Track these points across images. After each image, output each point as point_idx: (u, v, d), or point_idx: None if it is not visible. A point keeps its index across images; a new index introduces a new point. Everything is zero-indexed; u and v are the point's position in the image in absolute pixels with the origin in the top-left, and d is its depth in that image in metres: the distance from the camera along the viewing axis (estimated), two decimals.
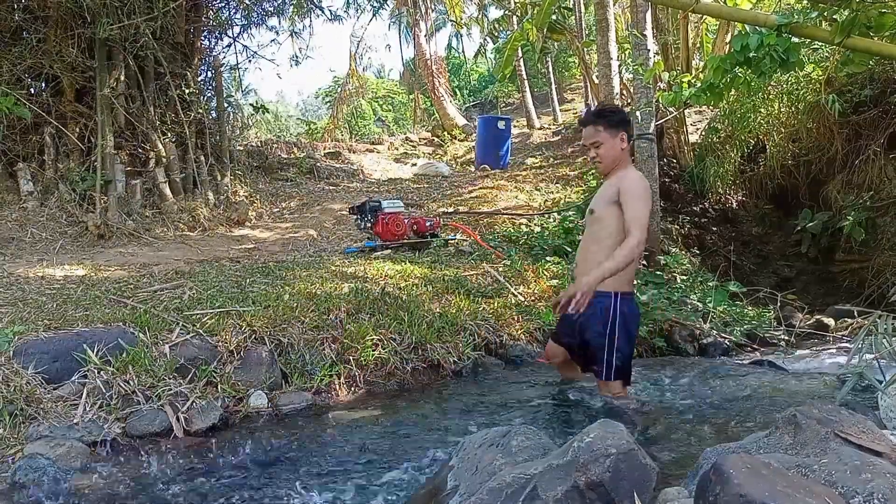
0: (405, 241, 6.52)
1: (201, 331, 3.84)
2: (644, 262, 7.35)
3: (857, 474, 1.29)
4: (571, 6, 12.73)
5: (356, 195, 9.88)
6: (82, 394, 3.23)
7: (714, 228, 9.29)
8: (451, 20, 20.84)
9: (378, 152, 14.20)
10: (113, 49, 7.65)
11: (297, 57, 23.93)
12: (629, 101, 9.39)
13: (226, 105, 9.83)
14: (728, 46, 7.95)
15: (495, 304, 5.07)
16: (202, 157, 8.70)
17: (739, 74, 3.93)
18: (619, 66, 9.00)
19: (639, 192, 3.02)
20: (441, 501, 1.76)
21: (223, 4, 10.15)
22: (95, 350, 3.41)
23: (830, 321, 6.59)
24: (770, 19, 3.69)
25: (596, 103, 12.89)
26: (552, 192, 8.86)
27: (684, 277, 7.28)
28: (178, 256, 6.19)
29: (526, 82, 17.13)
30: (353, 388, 4.01)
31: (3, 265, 5.40)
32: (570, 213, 7.47)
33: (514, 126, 14.16)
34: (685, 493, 1.48)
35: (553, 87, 18.50)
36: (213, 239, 7.50)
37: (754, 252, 9.11)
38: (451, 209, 8.39)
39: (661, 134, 9.16)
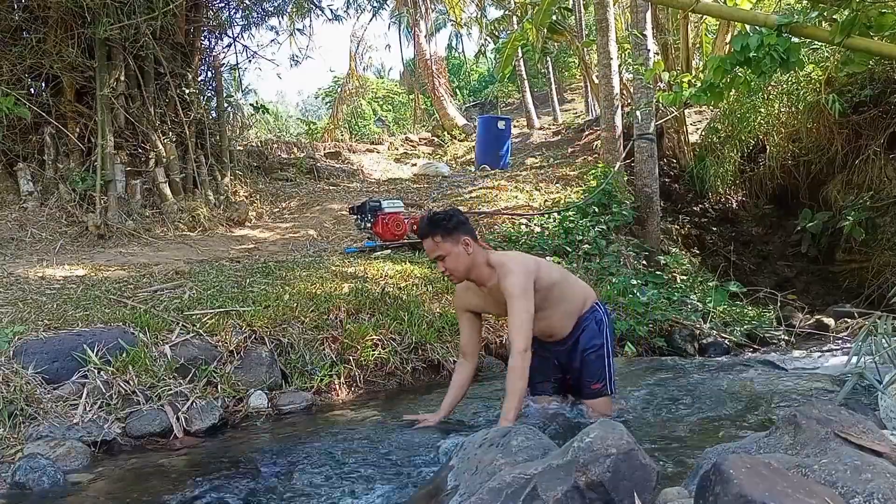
0: (405, 241, 6.52)
1: (201, 331, 3.84)
2: (644, 262, 7.36)
3: (857, 474, 1.29)
4: (571, 6, 12.73)
5: (356, 195, 9.87)
6: (82, 394, 3.23)
7: (714, 228, 9.29)
8: (451, 20, 20.84)
9: (378, 152, 14.19)
10: (113, 49, 7.65)
11: (297, 57, 23.95)
12: (629, 101, 9.40)
13: (226, 105, 9.82)
14: (728, 46, 7.96)
15: None
16: (202, 157, 8.69)
17: (739, 74, 3.94)
18: (619, 66, 9.00)
19: (518, 289, 2.70)
20: (441, 501, 1.76)
21: (223, 4, 10.14)
22: (95, 350, 3.41)
23: (830, 321, 6.59)
24: (770, 19, 3.69)
25: (596, 103, 12.88)
26: (552, 192, 8.86)
27: (684, 277, 7.29)
28: (178, 256, 6.18)
29: (526, 82, 17.14)
30: (353, 388, 4.01)
31: (3, 265, 5.40)
32: (571, 213, 7.47)
33: (514, 126, 14.16)
34: (685, 493, 1.48)
35: (553, 87, 18.52)
36: (213, 239, 7.49)
37: (754, 252, 9.12)
38: None
39: (661, 134, 9.17)
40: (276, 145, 12.67)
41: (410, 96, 23.92)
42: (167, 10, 7.45)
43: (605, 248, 6.87)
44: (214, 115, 9.56)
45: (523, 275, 2.75)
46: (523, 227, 7.43)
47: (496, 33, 17.27)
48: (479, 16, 18.79)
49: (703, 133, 9.97)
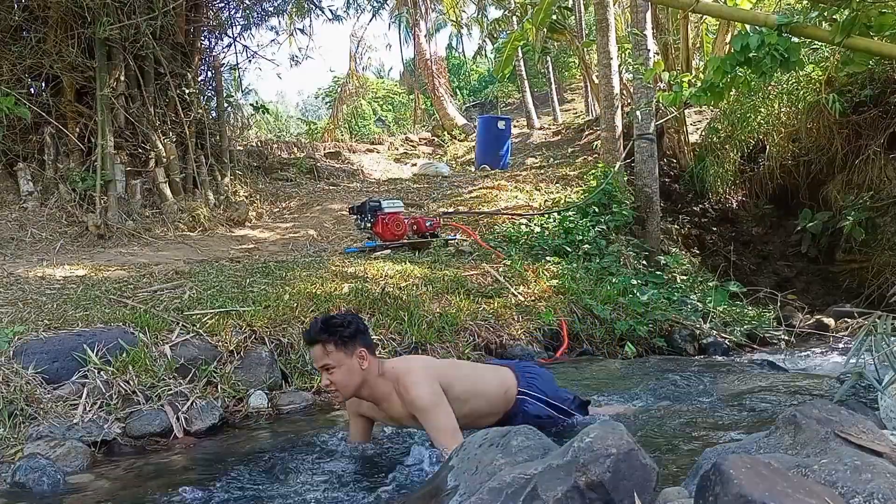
0: (405, 241, 6.52)
1: (201, 331, 3.84)
2: (644, 262, 7.36)
3: (857, 474, 1.29)
4: (571, 6, 12.73)
5: (356, 195, 9.87)
6: (82, 394, 3.23)
7: (714, 228, 9.29)
8: (450, 20, 20.85)
9: (378, 152, 14.19)
10: (113, 49, 7.65)
11: (297, 57, 23.95)
12: (629, 101, 9.40)
13: (226, 105, 9.82)
14: (728, 46, 7.96)
15: (495, 304, 5.07)
16: (202, 157, 8.70)
17: (740, 74, 3.94)
18: (619, 66, 9.00)
19: (427, 399, 2.38)
20: (441, 501, 1.75)
21: (223, 4, 10.15)
22: (95, 350, 3.41)
23: (830, 321, 6.59)
24: (770, 19, 3.69)
25: (596, 103, 12.86)
26: (552, 192, 8.86)
27: (684, 277, 7.29)
28: (178, 256, 6.19)
29: (526, 82, 17.14)
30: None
31: (3, 265, 5.40)
32: (571, 213, 7.47)
33: (514, 126, 14.15)
34: (685, 494, 1.48)
35: (553, 87, 18.52)
36: (213, 239, 7.50)
37: (754, 252, 9.12)
38: (451, 209, 8.39)
39: (661, 134, 9.17)
40: (276, 145, 12.68)
41: (410, 96, 23.93)
42: (167, 10, 7.46)
43: (605, 248, 6.87)
44: (214, 115, 9.57)
45: (427, 381, 2.42)
46: (523, 227, 7.43)
47: (496, 34, 17.29)
48: (479, 16, 18.81)
49: (703, 133, 9.97)
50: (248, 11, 10.06)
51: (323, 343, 2.43)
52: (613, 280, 6.02)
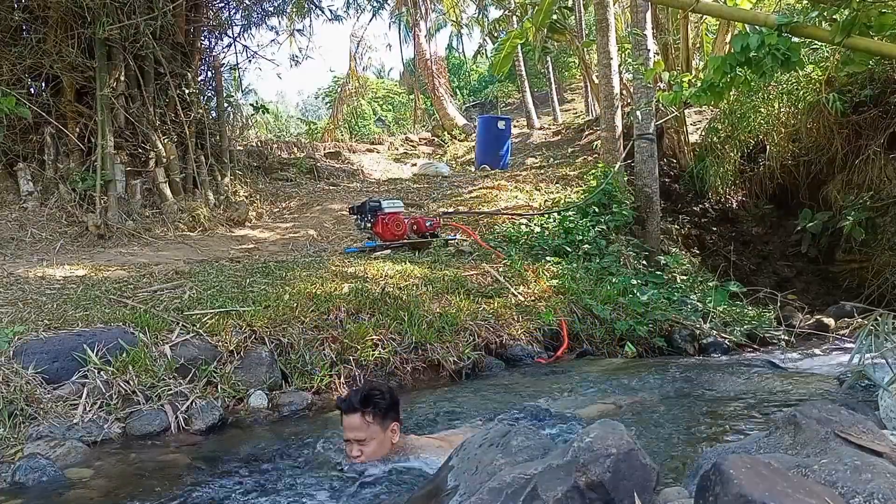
0: (405, 241, 6.52)
1: (201, 331, 3.84)
2: (644, 262, 7.36)
3: (857, 474, 1.29)
4: (571, 6, 12.73)
5: (356, 195, 9.87)
6: (82, 394, 3.23)
7: (714, 228, 9.29)
8: (450, 20, 20.86)
9: (378, 152, 14.19)
10: (113, 49, 7.65)
11: (297, 57, 23.94)
12: (629, 101, 9.39)
13: (226, 105, 9.82)
14: (728, 46, 7.96)
15: (495, 304, 5.07)
16: (202, 157, 8.69)
17: (740, 74, 3.93)
18: (619, 66, 9.00)
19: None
20: (441, 501, 1.75)
21: (223, 4, 10.16)
22: (95, 350, 3.41)
23: (830, 321, 6.59)
24: (770, 19, 3.69)
25: (596, 103, 12.85)
26: (552, 192, 8.86)
27: (684, 277, 7.29)
28: (178, 256, 6.18)
29: (526, 82, 17.15)
30: (353, 388, 4.00)
31: (3, 265, 5.40)
32: (571, 213, 7.47)
33: (514, 126, 14.15)
34: (685, 494, 1.48)
35: (553, 87, 18.53)
36: (213, 239, 7.50)
37: (754, 252, 9.11)
38: (451, 209, 8.38)
39: (661, 134, 9.16)
40: (276, 145, 12.68)
41: (410, 96, 23.92)
42: (167, 10, 7.46)
43: (605, 248, 6.87)
44: (214, 115, 9.57)
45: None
46: (523, 227, 7.43)
47: (494, 34, 17.28)
48: (479, 16, 18.80)
49: (703, 133, 9.97)
50: (247, 11, 10.06)
51: (363, 414, 2.50)
52: (613, 280, 6.02)
